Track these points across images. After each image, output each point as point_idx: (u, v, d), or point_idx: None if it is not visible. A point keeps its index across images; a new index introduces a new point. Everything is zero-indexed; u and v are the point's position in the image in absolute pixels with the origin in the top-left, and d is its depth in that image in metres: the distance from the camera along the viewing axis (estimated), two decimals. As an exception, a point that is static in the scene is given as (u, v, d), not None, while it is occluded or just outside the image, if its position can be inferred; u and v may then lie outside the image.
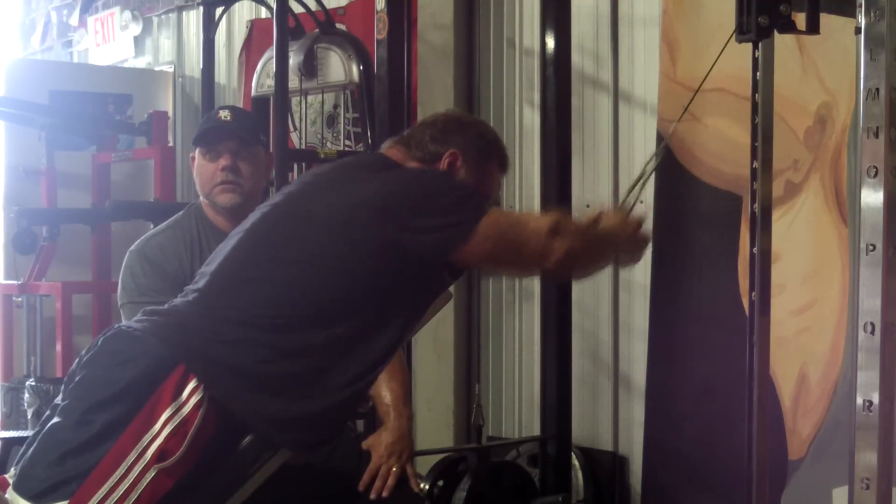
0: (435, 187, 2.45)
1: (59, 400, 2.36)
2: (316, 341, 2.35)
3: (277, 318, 2.35)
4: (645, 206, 4.20)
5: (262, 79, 5.15)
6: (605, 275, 4.41)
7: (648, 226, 2.51)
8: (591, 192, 4.44)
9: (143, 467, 2.24)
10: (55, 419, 2.32)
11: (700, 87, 2.79)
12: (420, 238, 2.36)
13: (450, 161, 2.55)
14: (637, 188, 2.60)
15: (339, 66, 4.88)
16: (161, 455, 2.24)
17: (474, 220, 2.35)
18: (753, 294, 2.36)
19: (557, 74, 4.04)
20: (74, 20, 8.01)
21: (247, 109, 4.99)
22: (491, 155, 2.63)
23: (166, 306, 2.46)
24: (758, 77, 2.35)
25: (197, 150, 3.13)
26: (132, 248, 3.12)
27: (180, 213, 3.20)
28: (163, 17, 7.24)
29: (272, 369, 2.33)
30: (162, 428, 2.25)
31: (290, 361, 2.34)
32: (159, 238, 3.12)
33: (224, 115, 3.15)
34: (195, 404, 2.27)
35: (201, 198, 3.17)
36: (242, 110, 3.65)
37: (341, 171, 2.56)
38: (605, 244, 2.43)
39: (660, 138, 4.08)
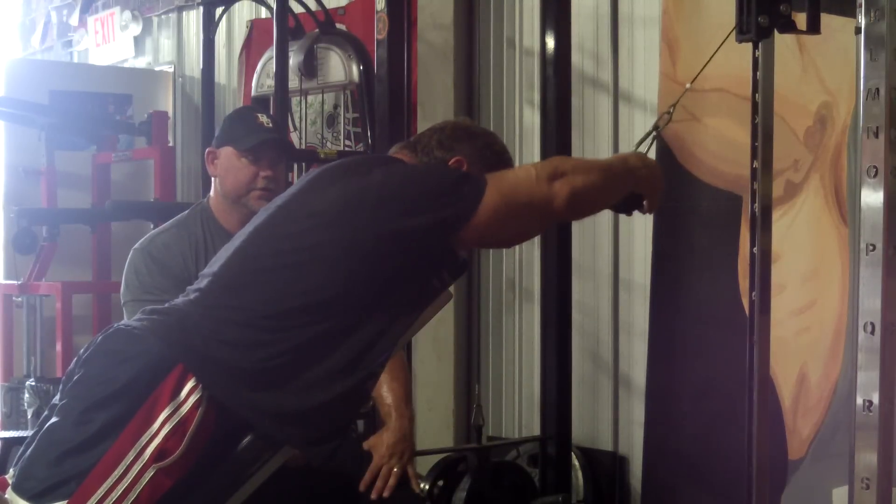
0: (433, 172, 2.48)
1: (57, 399, 2.36)
2: (315, 338, 2.34)
3: (278, 317, 2.34)
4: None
5: (262, 79, 5.15)
6: (605, 275, 4.41)
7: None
8: (591, 192, 4.43)
9: (142, 467, 2.23)
10: (53, 419, 2.31)
11: (692, 81, 2.79)
12: (423, 221, 2.35)
13: (455, 167, 2.55)
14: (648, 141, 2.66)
15: (339, 66, 4.88)
16: (160, 455, 2.24)
17: (476, 196, 2.36)
18: (753, 294, 2.35)
19: (557, 74, 4.04)
20: (74, 20, 8.02)
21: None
22: (497, 167, 2.61)
23: (166, 305, 2.46)
24: (758, 77, 2.34)
25: (230, 149, 3.09)
26: (137, 246, 3.10)
27: (186, 212, 3.17)
28: (163, 17, 7.24)
29: (270, 368, 2.32)
30: (160, 427, 2.24)
31: (289, 359, 2.34)
32: (164, 237, 3.10)
33: (265, 121, 3.12)
34: (194, 403, 2.27)
35: (212, 196, 3.13)
36: (271, 115, 3.62)
37: (343, 167, 2.56)
38: (618, 177, 2.47)
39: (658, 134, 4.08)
